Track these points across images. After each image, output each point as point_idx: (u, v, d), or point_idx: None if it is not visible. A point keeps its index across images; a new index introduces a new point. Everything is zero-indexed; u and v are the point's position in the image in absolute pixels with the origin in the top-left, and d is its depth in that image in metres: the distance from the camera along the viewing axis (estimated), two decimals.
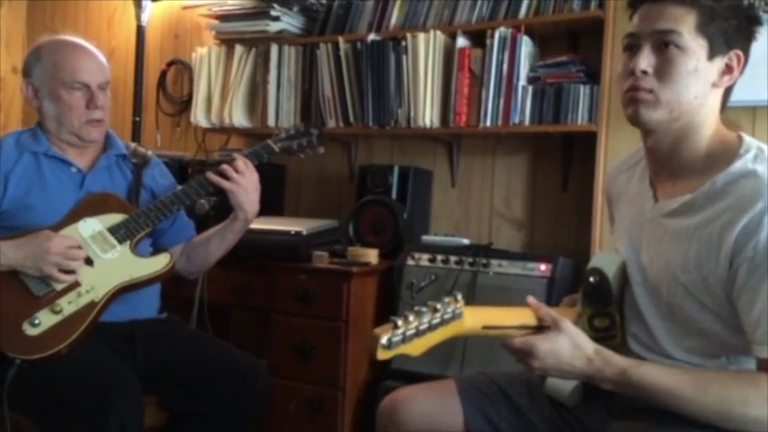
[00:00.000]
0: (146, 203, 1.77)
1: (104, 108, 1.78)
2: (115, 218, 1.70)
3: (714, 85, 1.14)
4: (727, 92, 1.18)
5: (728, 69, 1.14)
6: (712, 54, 1.12)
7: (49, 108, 1.75)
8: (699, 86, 1.12)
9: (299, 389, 2.18)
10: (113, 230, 1.69)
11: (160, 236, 1.85)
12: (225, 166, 1.74)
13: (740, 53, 1.13)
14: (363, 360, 2.22)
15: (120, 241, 1.68)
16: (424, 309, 1.07)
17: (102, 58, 1.82)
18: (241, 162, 1.75)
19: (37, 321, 1.57)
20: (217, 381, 1.69)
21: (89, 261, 1.65)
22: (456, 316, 1.10)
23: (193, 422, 1.71)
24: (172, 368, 1.72)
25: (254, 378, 1.74)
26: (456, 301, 1.10)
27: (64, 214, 1.69)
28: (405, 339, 1.05)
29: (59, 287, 1.61)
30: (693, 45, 1.11)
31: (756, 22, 1.16)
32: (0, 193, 1.69)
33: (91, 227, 1.68)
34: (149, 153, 1.94)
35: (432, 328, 1.07)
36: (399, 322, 1.04)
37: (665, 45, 1.11)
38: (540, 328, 1.17)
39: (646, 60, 1.12)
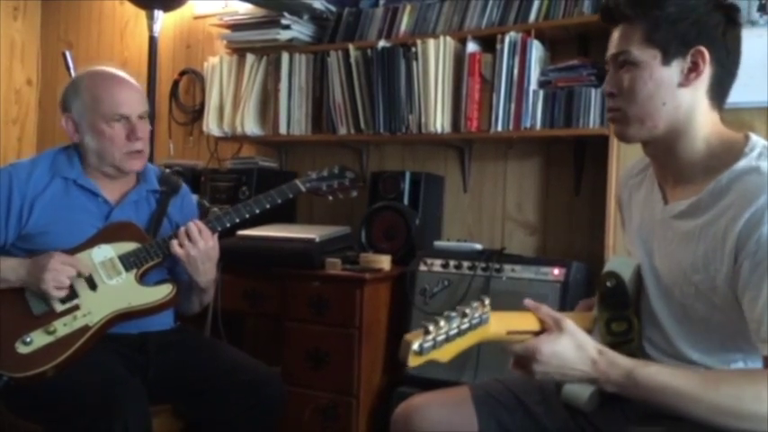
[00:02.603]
0: (165, 233, 1.77)
1: (144, 139, 1.77)
2: (128, 246, 1.71)
3: (681, 85, 1.15)
4: (717, 87, 1.16)
5: (694, 67, 1.14)
6: (668, 59, 1.15)
7: (90, 142, 1.75)
8: (663, 92, 1.15)
9: (313, 396, 2.18)
10: (123, 258, 1.69)
11: (175, 264, 1.81)
12: (180, 230, 1.71)
13: (702, 49, 1.13)
14: (377, 367, 2.21)
15: (128, 269, 1.69)
16: (453, 314, 1.07)
17: (140, 88, 1.82)
18: (195, 229, 1.71)
19: (29, 340, 1.59)
20: (232, 389, 1.69)
21: (93, 286, 1.66)
22: (483, 321, 1.10)
23: (209, 430, 1.72)
24: (186, 377, 1.73)
25: (269, 386, 1.74)
26: (483, 305, 1.10)
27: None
28: (435, 345, 1.04)
29: (59, 308, 1.62)
30: (644, 57, 1.15)
31: (725, 9, 1.15)
32: (24, 218, 1.70)
33: (103, 253, 1.69)
34: (180, 181, 1.93)
35: (461, 333, 1.07)
36: (431, 327, 1.04)
37: (621, 65, 1.18)
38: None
39: (609, 83, 1.21)
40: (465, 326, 1.07)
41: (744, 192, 1.07)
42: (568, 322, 1.13)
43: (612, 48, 1.20)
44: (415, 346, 1.02)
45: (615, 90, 1.19)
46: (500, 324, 1.13)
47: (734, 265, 1.07)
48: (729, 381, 1.05)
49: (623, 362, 1.09)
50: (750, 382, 1.03)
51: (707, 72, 1.14)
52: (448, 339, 1.06)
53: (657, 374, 1.06)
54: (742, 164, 1.10)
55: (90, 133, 1.74)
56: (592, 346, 1.11)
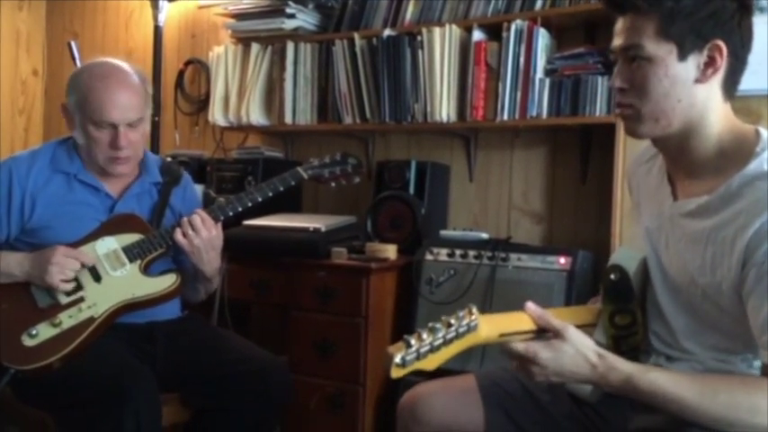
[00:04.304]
0: (168, 224, 1.77)
1: (131, 146, 1.72)
2: (132, 237, 1.71)
3: (698, 81, 1.10)
4: (731, 78, 1.12)
5: (711, 62, 1.09)
6: (684, 54, 1.09)
7: (79, 138, 1.73)
8: (678, 90, 1.10)
9: (319, 385, 2.19)
10: (127, 249, 1.69)
11: (179, 253, 1.80)
12: (183, 220, 1.70)
13: (720, 43, 1.08)
14: (383, 355, 2.21)
15: (131, 260, 1.69)
16: (437, 325, 1.06)
17: (137, 90, 1.73)
18: (198, 219, 1.71)
19: (35, 332, 1.59)
20: (238, 378, 1.70)
21: (97, 278, 1.67)
22: (471, 329, 1.09)
23: (216, 419, 1.73)
24: (194, 366, 1.74)
25: (276, 375, 1.75)
26: (470, 313, 1.09)
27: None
28: (419, 356, 1.05)
29: (63, 301, 1.63)
30: (659, 52, 1.09)
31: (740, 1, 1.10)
32: (27, 213, 1.70)
33: (107, 245, 1.69)
34: (182, 170, 1.92)
35: (446, 342, 1.07)
36: (412, 341, 1.04)
37: (632, 59, 1.12)
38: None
39: (620, 77, 1.14)
40: (451, 335, 1.07)
41: (754, 200, 1.05)
42: (571, 330, 1.11)
43: (621, 39, 1.13)
44: (398, 359, 1.03)
45: (626, 85, 1.13)
46: (491, 328, 1.12)
47: (741, 272, 1.05)
48: (727, 391, 1.04)
49: (623, 366, 1.09)
50: (747, 393, 1.03)
51: (723, 65, 1.10)
52: (432, 350, 1.06)
53: (657, 381, 1.06)
54: (753, 166, 1.07)
55: (79, 130, 1.73)
56: (592, 351, 1.11)
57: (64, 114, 1.77)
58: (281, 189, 1.82)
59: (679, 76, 1.10)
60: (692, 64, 1.10)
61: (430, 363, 1.06)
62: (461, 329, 1.08)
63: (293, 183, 1.83)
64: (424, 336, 1.05)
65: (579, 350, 1.10)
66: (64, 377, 1.58)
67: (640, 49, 1.10)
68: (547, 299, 1.98)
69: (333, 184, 1.92)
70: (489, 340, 1.13)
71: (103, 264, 1.68)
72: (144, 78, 1.79)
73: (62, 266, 1.60)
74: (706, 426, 1.04)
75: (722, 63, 1.09)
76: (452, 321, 1.07)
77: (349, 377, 2.16)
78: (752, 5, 1.13)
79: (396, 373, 1.04)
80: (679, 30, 1.08)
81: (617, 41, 1.15)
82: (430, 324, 1.07)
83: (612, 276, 1.23)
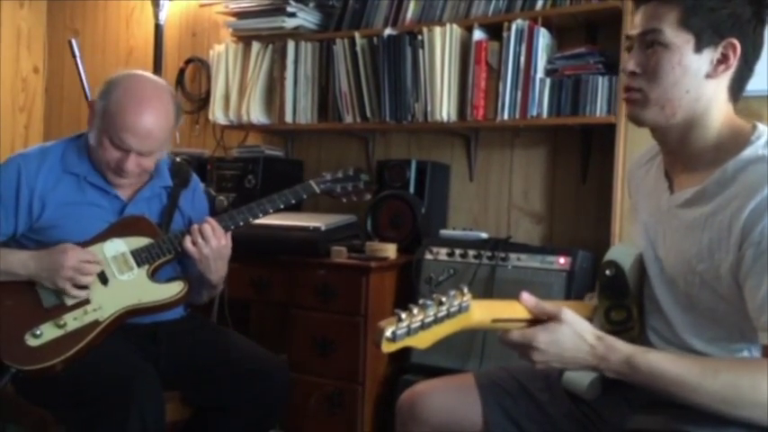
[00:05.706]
0: (178, 228, 1.76)
1: (139, 168, 1.68)
2: (141, 241, 1.69)
3: (708, 76, 1.13)
4: (738, 81, 1.15)
5: (724, 59, 1.12)
6: (700, 47, 1.12)
7: (92, 140, 1.69)
8: (689, 81, 1.13)
9: (319, 383, 2.19)
10: (136, 253, 1.68)
11: (185, 257, 1.75)
12: (194, 228, 1.69)
13: (735, 42, 1.11)
14: (383, 355, 2.21)
15: (139, 264, 1.68)
16: (429, 302, 1.06)
17: (164, 126, 1.67)
18: (208, 227, 1.69)
19: (39, 332, 1.58)
20: (238, 377, 1.71)
21: (104, 280, 1.65)
22: (462, 309, 1.09)
23: (216, 417, 1.73)
24: (194, 364, 1.74)
25: (275, 374, 1.75)
26: (462, 294, 1.09)
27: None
28: (410, 332, 1.04)
29: (69, 302, 1.61)
30: (677, 40, 1.12)
31: (757, 5, 1.13)
32: (36, 212, 1.67)
33: (116, 247, 1.67)
34: (191, 172, 1.90)
35: (437, 320, 1.07)
36: (403, 315, 1.04)
37: (650, 44, 1.14)
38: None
39: (633, 61, 1.17)
40: (442, 314, 1.07)
41: (749, 182, 1.06)
42: (567, 312, 1.12)
43: (642, 25, 1.15)
44: (388, 333, 1.03)
45: (639, 69, 1.15)
46: (484, 312, 1.12)
47: (738, 253, 1.06)
48: (728, 369, 1.05)
49: (623, 347, 1.09)
50: (748, 372, 1.03)
51: (734, 66, 1.12)
52: (423, 327, 1.05)
53: (657, 362, 1.07)
54: (747, 152, 1.09)
55: (94, 133, 1.69)
56: (590, 332, 1.11)
57: (90, 110, 1.72)
58: (293, 201, 1.82)
59: (691, 67, 1.12)
60: (706, 58, 1.12)
61: (421, 341, 1.06)
62: (453, 309, 1.08)
63: (305, 196, 1.84)
64: (415, 311, 1.05)
65: (577, 331, 1.10)
66: (68, 376, 1.57)
67: (660, 34, 1.13)
68: (546, 298, 1.97)
69: (344, 200, 1.91)
70: (482, 325, 1.12)
71: (111, 266, 1.66)
72: (178, 107, 1.74)
73: (76, 273, 1.58)
74: (706, 408, 1.04)
75: (734, 62, 1.12)
76: (444, 300, 1.07)
77: (348, 376, 2.16)
78: (766, 17, 1.15)
79: (386, 347, 1.03)
80: (699, 22, 1.11)
81: (636, 29, 1.17)
82: (421, 301, 1.06)
83: (608, 272, 1.23)
